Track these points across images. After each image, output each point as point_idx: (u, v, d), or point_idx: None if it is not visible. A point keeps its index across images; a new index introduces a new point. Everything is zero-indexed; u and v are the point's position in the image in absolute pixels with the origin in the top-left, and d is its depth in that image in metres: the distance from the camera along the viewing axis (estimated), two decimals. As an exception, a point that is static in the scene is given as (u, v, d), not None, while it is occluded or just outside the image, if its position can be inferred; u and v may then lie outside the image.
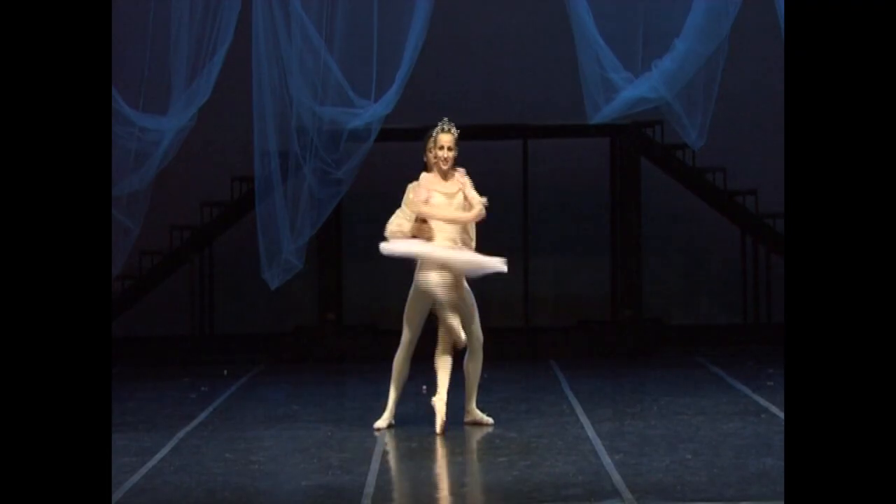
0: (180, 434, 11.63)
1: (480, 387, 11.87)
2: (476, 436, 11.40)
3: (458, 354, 11.68)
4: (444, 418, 11.43)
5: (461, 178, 11.51)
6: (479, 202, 11.35)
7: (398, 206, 11.86)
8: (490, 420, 11.78)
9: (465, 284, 11.47)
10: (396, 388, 11.73)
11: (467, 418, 11.79)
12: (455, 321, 11.28)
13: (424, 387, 12.22)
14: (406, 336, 11.59)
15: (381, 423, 11.73)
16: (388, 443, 11.14)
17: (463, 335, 11.32)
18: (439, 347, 11.59)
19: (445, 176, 11.50)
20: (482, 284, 11.70)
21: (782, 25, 13.12)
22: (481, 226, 11.67)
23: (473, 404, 11.80)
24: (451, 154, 11.49)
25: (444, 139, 11.52)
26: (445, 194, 11.45)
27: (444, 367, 11.58)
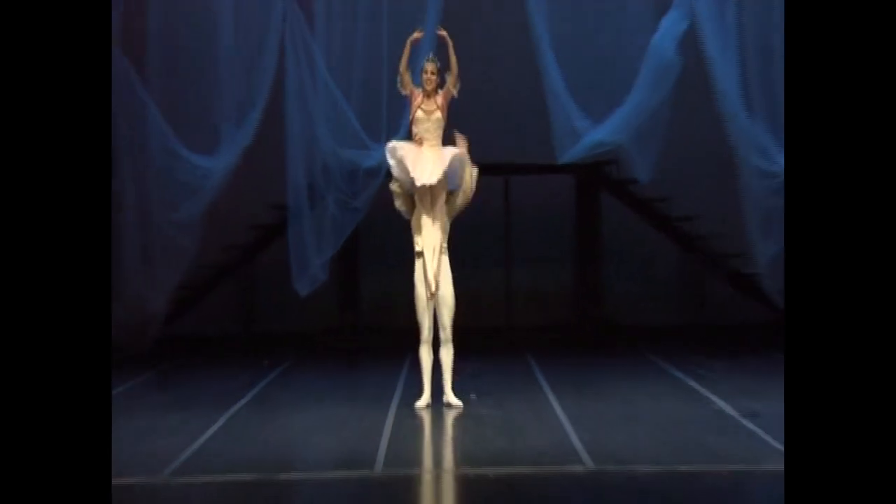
0: (229, 413, 11.64)
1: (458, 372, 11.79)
2: (467, 413, 11.39)
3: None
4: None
5: (461, 146, 11.90)
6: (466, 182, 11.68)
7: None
8: (458, 402, 11.67)
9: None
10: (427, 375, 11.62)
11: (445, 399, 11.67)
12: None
13: (473, 395, 12.15)
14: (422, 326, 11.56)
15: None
16: (396, 420, 11.13)
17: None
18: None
19: (429, 97, 11.94)
20: (472, 289, 11.71)
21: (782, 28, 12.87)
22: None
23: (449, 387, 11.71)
24: (433, 77, 12.01)
25: (428, 67, 12.03)
26: (425, 111, 11.91)
27: (427, 357, 11.57)
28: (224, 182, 15.07)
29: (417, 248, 11.64)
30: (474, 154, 16.08)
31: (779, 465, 8.87)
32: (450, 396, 11.69)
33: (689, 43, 15.13)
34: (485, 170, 16.23)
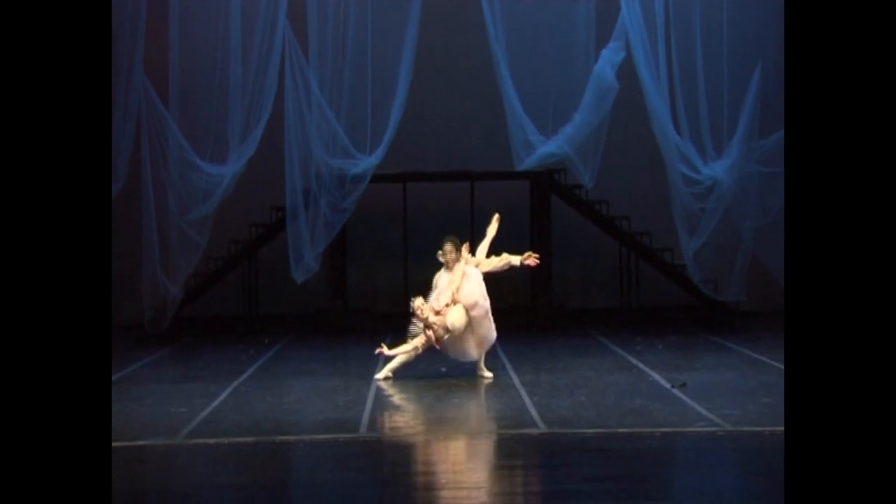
0: (235, 383, 11.57)
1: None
2: (439, 383, 11.32)
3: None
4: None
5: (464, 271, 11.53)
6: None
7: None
8: (489, 374, 11.59)
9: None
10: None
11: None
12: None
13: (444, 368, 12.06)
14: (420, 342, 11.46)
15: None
16: (378, 391, 11.06)
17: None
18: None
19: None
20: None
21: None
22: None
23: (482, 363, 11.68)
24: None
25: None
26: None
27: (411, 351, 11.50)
28: (232, 187, 15.05)
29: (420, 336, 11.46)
30: (443, 165, 16.12)
31: (702, 427, 8.90)
32: (483, 371, 11.58)
33: (626, 70, 15.17)
34: (454, 176, 16.33)
